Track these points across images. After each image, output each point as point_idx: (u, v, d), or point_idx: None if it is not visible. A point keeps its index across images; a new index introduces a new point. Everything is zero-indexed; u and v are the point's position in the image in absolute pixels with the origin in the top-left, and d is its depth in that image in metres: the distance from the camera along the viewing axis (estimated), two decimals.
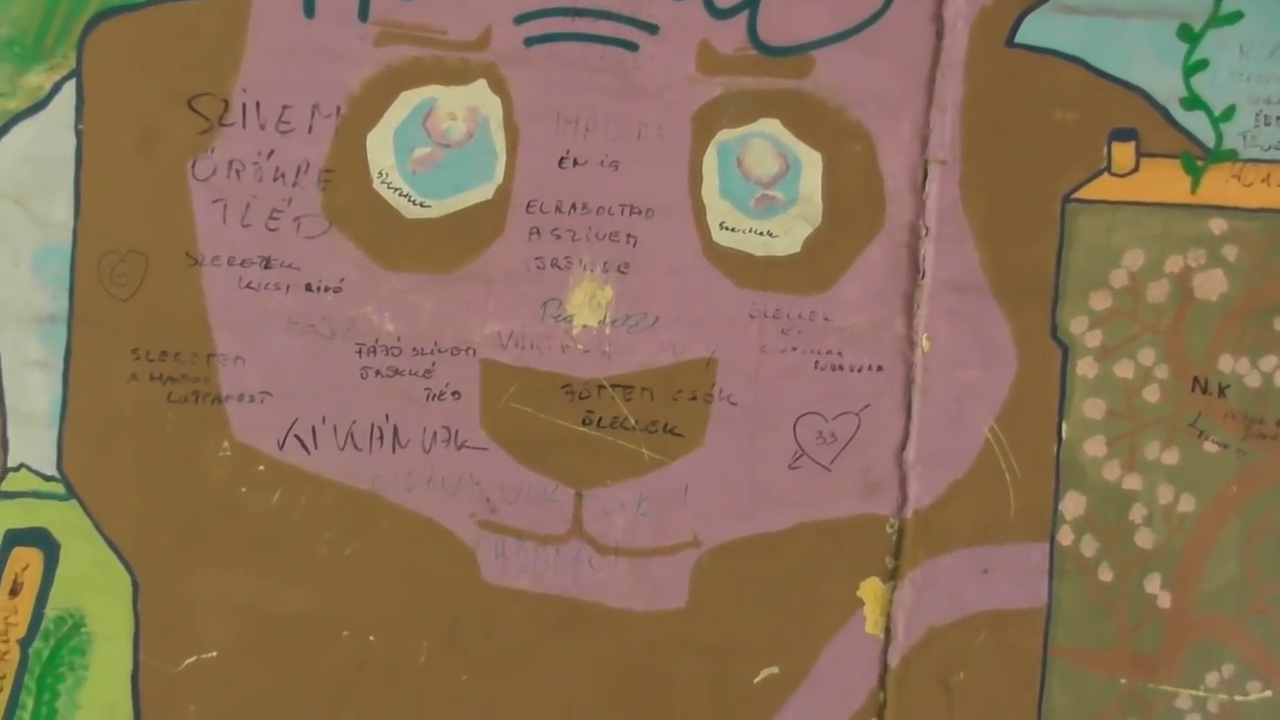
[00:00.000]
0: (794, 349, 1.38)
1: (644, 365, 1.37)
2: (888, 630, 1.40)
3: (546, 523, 1.37)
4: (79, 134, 1.33)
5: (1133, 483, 1.38)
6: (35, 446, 1.34)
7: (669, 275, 1.37)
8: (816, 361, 1.38)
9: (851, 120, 1.36)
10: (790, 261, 1.37)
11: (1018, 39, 1.37)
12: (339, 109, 1.34)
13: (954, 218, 1.37)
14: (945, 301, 1.38)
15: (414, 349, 1.36)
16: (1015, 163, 1.37)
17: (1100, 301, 1.37)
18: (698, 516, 1.38)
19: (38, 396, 1.34)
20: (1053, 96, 1.36)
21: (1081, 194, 1.37)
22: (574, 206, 1.36)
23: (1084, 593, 1.38)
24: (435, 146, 1.35)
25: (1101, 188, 1.37)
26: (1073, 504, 1.38)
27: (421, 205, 1.36)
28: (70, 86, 1.34)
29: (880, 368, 1.38)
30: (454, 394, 1.36)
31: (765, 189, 1.37)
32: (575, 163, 1.36)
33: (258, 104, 1.33)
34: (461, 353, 1.36)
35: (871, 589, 1.39)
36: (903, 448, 1.39)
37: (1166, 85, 1.37)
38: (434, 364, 1.36)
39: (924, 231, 1.38)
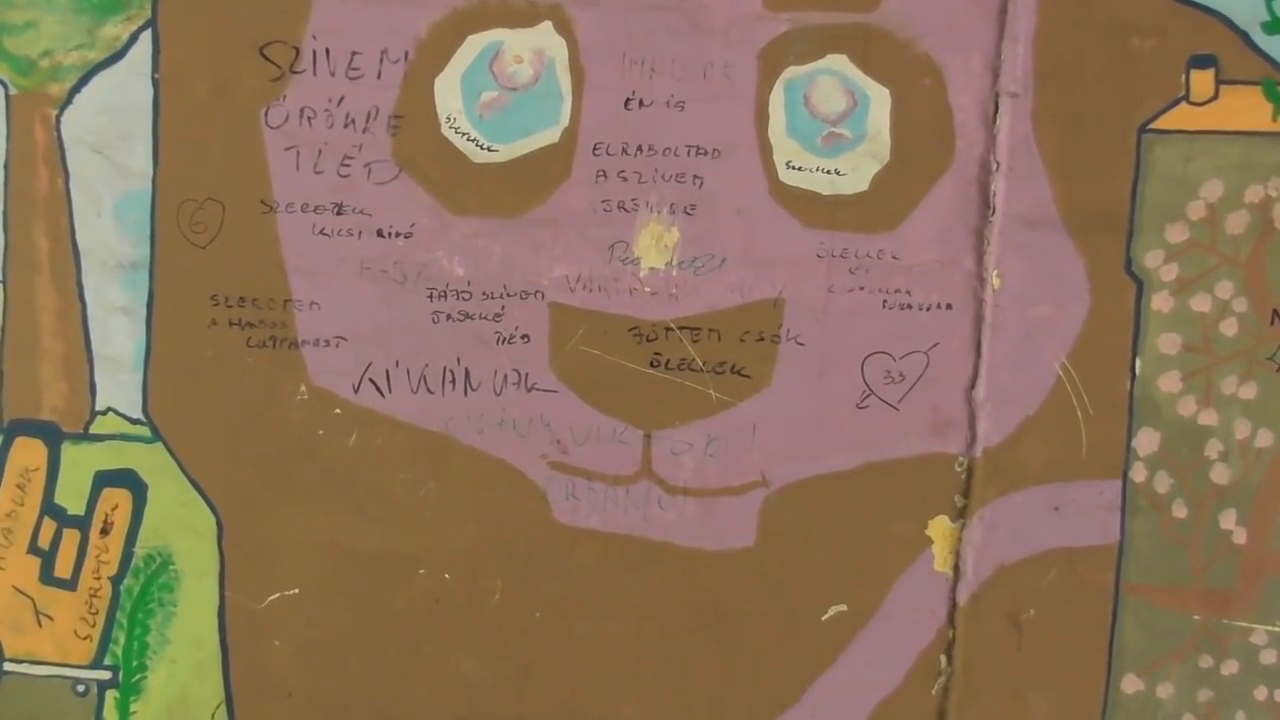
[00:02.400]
0: (862, 288, 1.37)
1: (711, 306, 1.37)
2: (956, 568, 1.40)
3: (616, 464, 1.39)
4: (155, 83, 1.36)
5: (1208, 418, 1.36)
6: (121, 390, 1.39)
7: (735, 216, 1.36)
8: (885, 300, 1.37)
9: (920, 54, 1.34)
10: (858, 200, 1.36)
11: None
12: (407, 54, 1.35)
13: (1025, 152, 1.35)
14: (1016, 237, 1.36)
15: (483, 293, 1.38)
16: (1089, 93, 1.34)
17: (1177, 234, 1.35)
18: (765, 456, 1.39)
19: (122, 341, 1.39)
20: (1129, 24, 1.33)
21: (1158, 124, 1.34)
22: (640, 148, 1.36)
23: (1157, 529, 1.36)
24: (502, 90, 1.36)
25: (1179, 117, 1.34)
26: (1146, 440, 1.37)
27: (489, 150, 1.36)
28: (146, 36, 1.36)
29: (949, 306, 1.37)
30: (523, 337, 1.38)
31: (832, 126, 1.36)
32: (641, 104, 1.36)
33: (327, 50, 1.35)
34: (530, 296, 1.38)
35: (940, 527, 1.39)
36: (972, 386, 1.38)
37: (1247, 9, 1.33)
38: (503, 308, 1.38)
39: (995, 166, 1.36)
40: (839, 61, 1.35)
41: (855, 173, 1.36)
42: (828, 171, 1.36)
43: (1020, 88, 1.35)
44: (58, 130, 1.37)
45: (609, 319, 1.37)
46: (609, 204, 1.37)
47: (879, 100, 1.35)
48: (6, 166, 1.38)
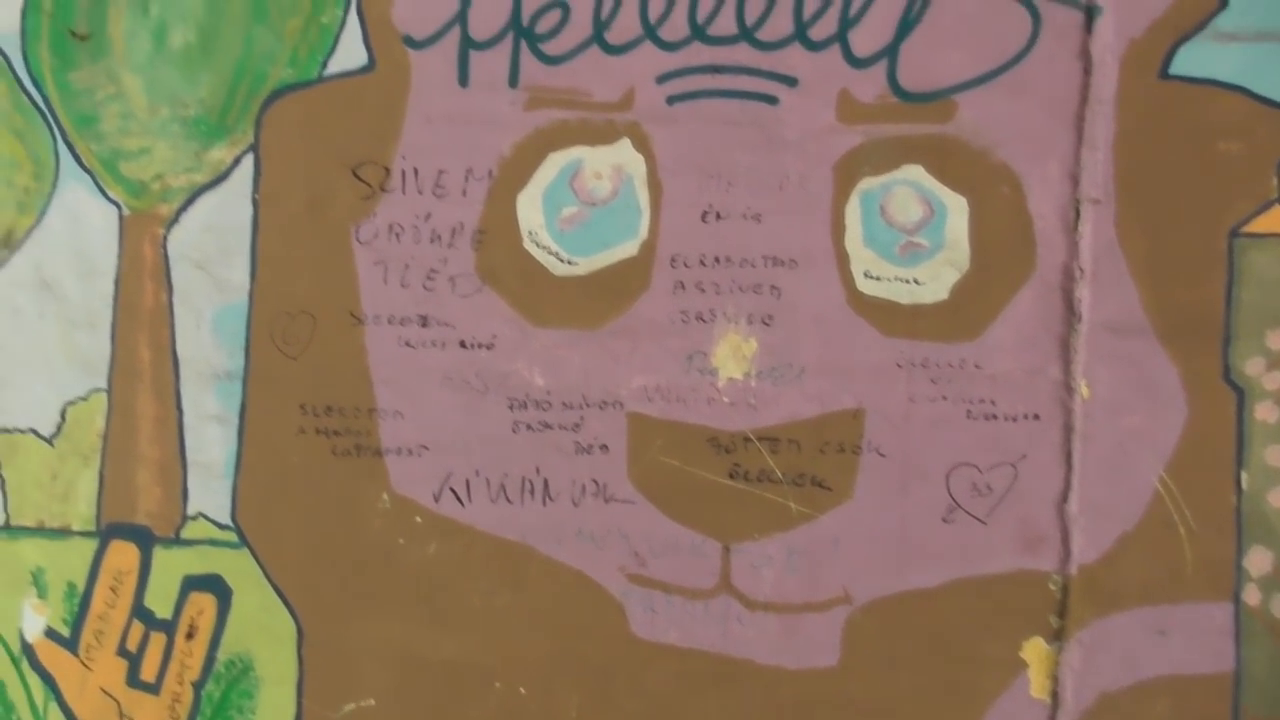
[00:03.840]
0: (944, 398, 1.34)
1: (790, 417, 1.36)
2: (1055, 695, 1.32)
3: (695, 577, 1.37)
4: (255, 203, 1.44)
5: None
6: (211, 496, 1.43)
7: (814, 326, 1.36)
8: (968, 410, 1.34)
9: (997, 162, 1.34)
10: (938, 308, 1.35)
11: (1172, 70, 1.32)
12: (491, 172, 1.40)
13: (1111, 258, 1.32)
14: (1104, 345, 1.32)
15: (563, 403, 1.39)
16: (1175, 198, 1.31)
17: (1278, 341, 1.29)
18: (848, 571, 1.35)
19: (215, 449, 1.43)
20: (1214, 127, 1.31)
21: (1251, 227, 1.30)
22: (717, 259, 1.37)
23: (1276, 657, 1.27)
24: (582, 205, 1.39)
25: (1273, 220, 1.30)
26: (1259, 560, 1.29)
27: (569, 263, 1.39)
28: (248, 160, 1.44)
29: (1037, 416, 1.33)
30: (602, 447, 1.38)
31: (910, 236, 1.35)
32: (718, 216, 1.38)
33: (416, 170, 1.41)
34: (609, 406, 1.38)
35: (1036, 649, 1.32)
36: (1064, 499, 1.33)
37: None
38: (582, 418, 1.39)
39: (1079, 273, 1.33)
40: (915, 172, 1.35)
41: (934, 281, 1.35)
42: (906, 281, 1.35)
43: (1102, 194, 1.33)
44: (164, 248, 1.45)
45: (687, 429, 1.37)
46: (687, 315, 1.37)
47: (956, 209, 1.35)
48: (117, 282, 1.46)
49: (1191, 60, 1.32)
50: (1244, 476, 1.30)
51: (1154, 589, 1.31)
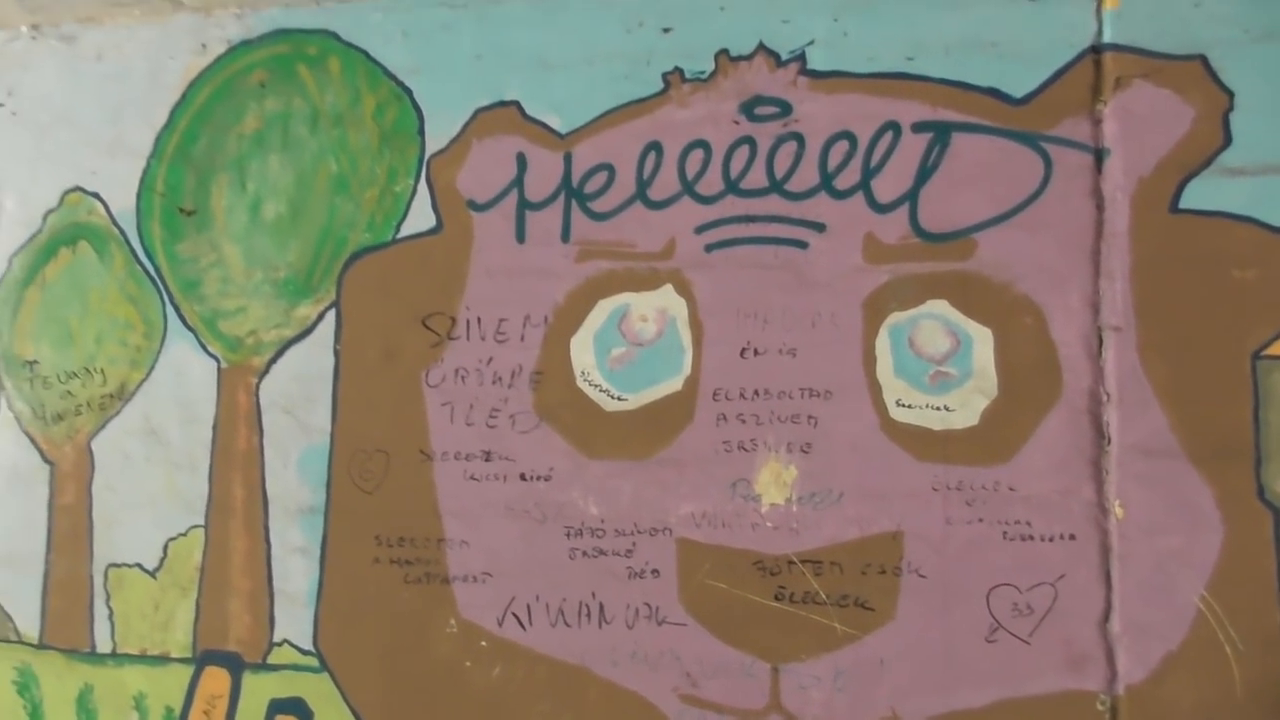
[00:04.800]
0: (980, 520, 1.39)
1: (831, 540, 1.42)
2: None
3: (745, 697, 1.42)
4: (337, 353, 1.59)
5: None
6: (295, 624, 1.54)
7: (850, 452, 1.43)
8: (1005, 532, 1.39)
9: (1019, 294, 1.42)
10: (969, 434, 1.41)
11: (1182, 204, 1.39)
12: (546, 318, 1.53)
13: (1135, 382, 1.38)
14: (1135, 467, 1.36)
15: (616, 530, 1.48)
16: (1195, 324, 1.37)
17: None
18: (895, 691, 1.39)
19: (299, 579, 1.55)
20: (1228, 256, 1.37)
21: (1272, 350, 1.35)
22: (756, 392, 1.47)
23: None
24: (630, 346, 1.51)
25: None
26: None
27: (619, 399, 1.50)
28: (331, 314, 1.60)
29: (1073, 536, 1.37)
30: (653, 572, 1.46)
31: (938, 365, 1.43)
32: (756, 352, 1.47)
33: (479, 319, 1.55)
34: (659, 533, 1.47)
35: None
36: (1106, 619, 1.35)
37: None
38: (634, 544, 1.47)
39: (1105, 398, 1.39)
40: (940, 306, 1.44)
41: (964, 408, 1.42)
42: (937, 408, 1.42)
43: (1122, 321, 1.39)
44: (256, 395, 1.61)
45: (733, 553, 1.44)
46: (729, 444, 1.46)
47: (982, 339, 1.42)
48: (215, 428, 1.62)
49: (1201, 194, 1.40)
50: None
51: (1205, 710, 1.32)
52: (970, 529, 1.40)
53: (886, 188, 1.47)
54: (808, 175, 1.49)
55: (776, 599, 1.43)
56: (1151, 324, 1.39)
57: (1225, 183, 1.39)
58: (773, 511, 1.45)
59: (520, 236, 1.56)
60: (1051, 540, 1.38)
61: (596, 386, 1.51)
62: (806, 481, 1.44)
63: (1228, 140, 1.38)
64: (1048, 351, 1.41)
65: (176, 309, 1.66)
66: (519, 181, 1.57)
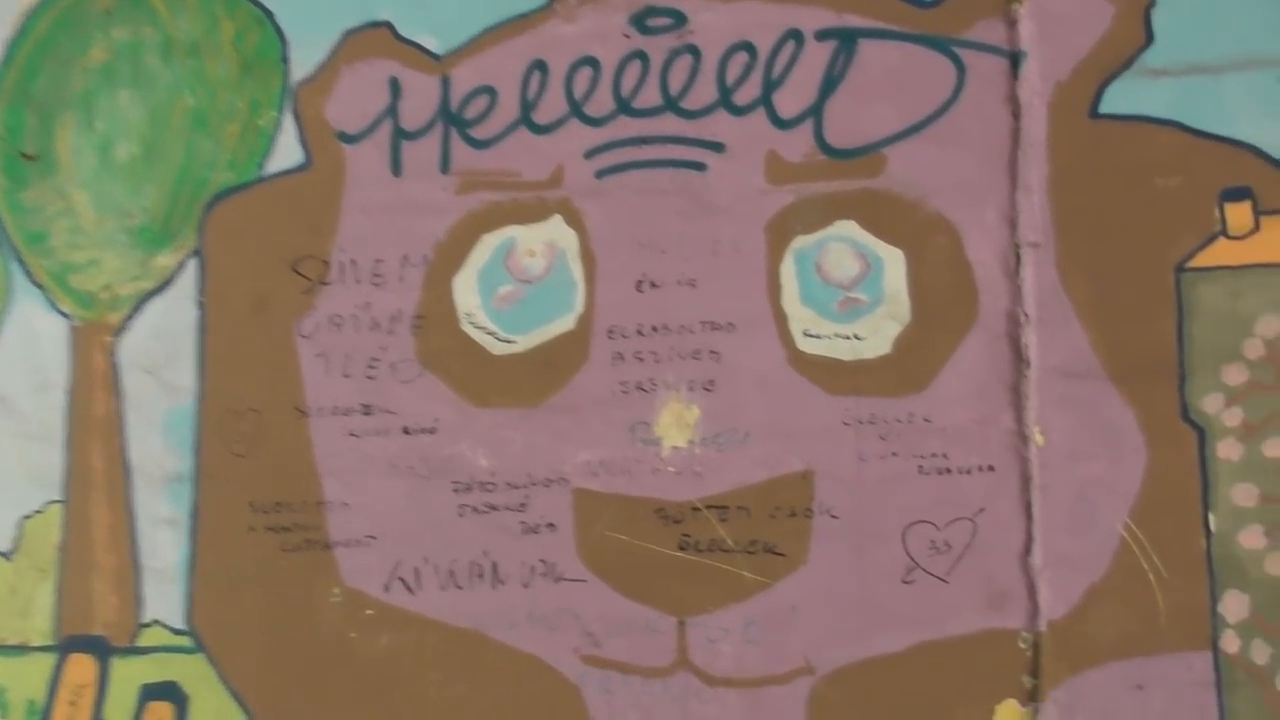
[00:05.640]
0: (895, 454, 1.30)
1: (738, 483, 1.33)
2: None
3: (651, 654, 1.32)
4: (201, 306, 1.45)
5: None
6: (166, 602, 1.42)
7: (756, 389, 1.34)
8: (920, 466, 1.30)
9: (931, 212, 1.32)
10: (882, 363, 1.32)
11: (1102, 109, 1.30)
12: (426, 257, 1.41)
13: (1055, 301, 1.29)
14: (1056, 390, 1.28)
15: (508, 483, 1.37)
16: (1116, 237, 1.28)
17: (1235, 376, 1.25)
18: (809, 640, 1.30)
19: (168, 553, 1.43)
20: (1150, 163, 1.28)
21: (1196, 261, 1.27)
22: (655, 328, 1.36)
23: (1260, 705, 1.20)
24: (517, 283, 1.39)
25: (1218, 253, 1.27)
26: (1234, 605, 1.22)
27: (507, 341, 1.39)
28: (193, 263, 1.46)
29: (992, 467, 1.29)
30: (549, 526, 1.36)
31: (847, 291, 1.33)
32: (653, 285, 1.37)
33: (354, 261, 1.42)
34: (554, 484, 1.36)
35: (1009, 712, 1.26)
36: (1027, 552, 1.28)
37: (1275, 136, 1.26)
38: (528, 497, 1.37)
39: (1024, 318, 1.30)
40: (848, 227, 1.34)
41: (876, 336, 1.32)
42: (847, 337, 1.33)
43: (1041, 237, 1.30)
44: (114, 356, 1.46)
45: (634, 502, 1.34)
46: (627, 385, 1.36)
47: (893, 262, 1.32)
48: (70, 393, 1.48)
49: (1121, 98, 1.30)
50: (1212, 518, 1.24)
51: (1128, 642, 1.25)
52: (884, 465, 1.31)
53: (789, 102, 1.36)
54: (704, 91, 1.38)
55: (681, 549, 1.33)
56: (1071, 238, 1.30)
57: (1147, 85, 1.30)
58: (675, 455, 1.35)
59: (396, 169, 1.43)
60: (969, 473, 1.29)
61: (483, 329, 1.40)
62: (710, 422, 1.34)
63: (1149, 39, 1.29)
64: (963, 272, 1.32)
65: (22, 264, 1.51)
66: (393, 109, 1.44)
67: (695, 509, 1.33)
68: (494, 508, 1.37)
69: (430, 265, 1.41)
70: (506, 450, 1.37)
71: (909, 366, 1.31)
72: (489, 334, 1.39)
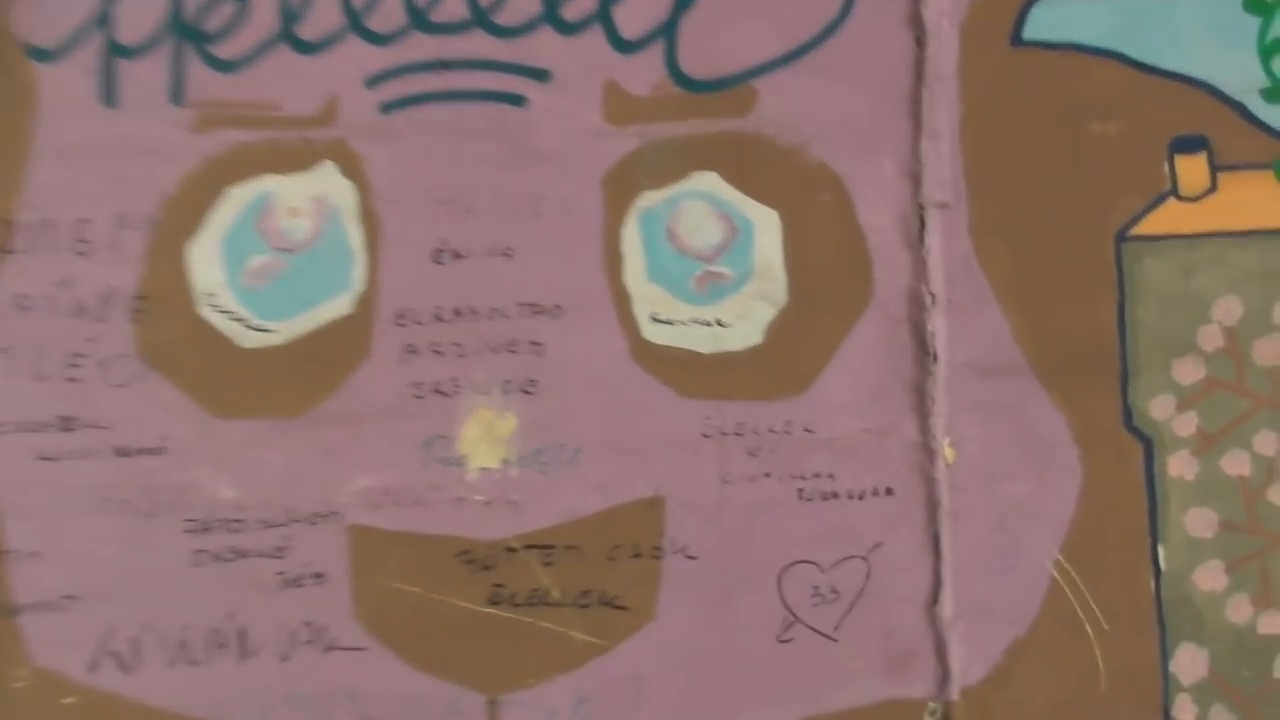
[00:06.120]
0: (767, 475, 1.01)
1: (566, 515, 1.01)
2: None
3: None
4: None
5: (1273, 624, 0.96)
6: None
7: (589, 391, 1.02)
8: (800, 489, 1.01)
9: (813, 163, 1.03)
10: (751, 357, 1.02)
11: (1026, 35, 1.02)
12: (151, 218, 1.05)
13: (968, 277, 1.02)
14: (970, 392, 1.01)
15: (261, 520, 1.02)
16: (1043, 196, 1.02)
17: (1188, 372, 0.99)
18: (658, 718, 0.99)
19: None
20: (1084, 104, 1.02)
21: (1141, 228, 1.01)
22: (458, 312, 1.03)
23: None
24: (274, 253, 1.05)
25: (1168, 217, 1.01)
26: (1188, 661, 0.97)
27: (261, 330, 1.04)
28: None
29: (890, 490, 1.01)
30: (316, 577, 1.02)
31: (708, 264, 1.03)
32: (456, 255, 1.04)
33: (49, 222, 1.04)
34: (323, 520, 1.02)
35: None
36: (934, 600, 1.00)
37: (1239, 73, 1.01)
38: (288, 538, 1.02)
39: (929, 300, 1.01)
40: (708, 181, 1.03)
41: (743, 321, 1.02)
42: (707, 323, 1.02)
43: (950, 195, 1.02)
44: None
45: (430, 542, 1.02)
46: (421, 388, 1.03)
47: (765, 225, 1.03)
48: None
49: (1049, 22, 1.05)
50: (1161, 553, 0.98)
51: (1061, 709, 0.98)
52: (755, 488, 1.01)
53: (634, 18, 1.06)
54: (526, 2, 1.05)
55: (492, 603, 1.01)
56: (988, 198, 1.03)
57: (1081, 6, 1.03)
58: (484, 479, 1.02)
59: (109, 98, 1.06)
60: (862, 497, 1.01)
61: (228, 314, 1.04)
62: (530, 434, 1.02)
63: None
64: (853, 239, 1.03)
65: None
66: (104, 17, 1.06)
67: (511, 550, 1.02)
68: (242, 553, 1.03)
69: (157, 228, 1.05)
70: (259, 476, 1.03)
71: (785, 362, 1.02)
72: (236, 320, 1.04)
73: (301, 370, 1.04)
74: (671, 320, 1.03)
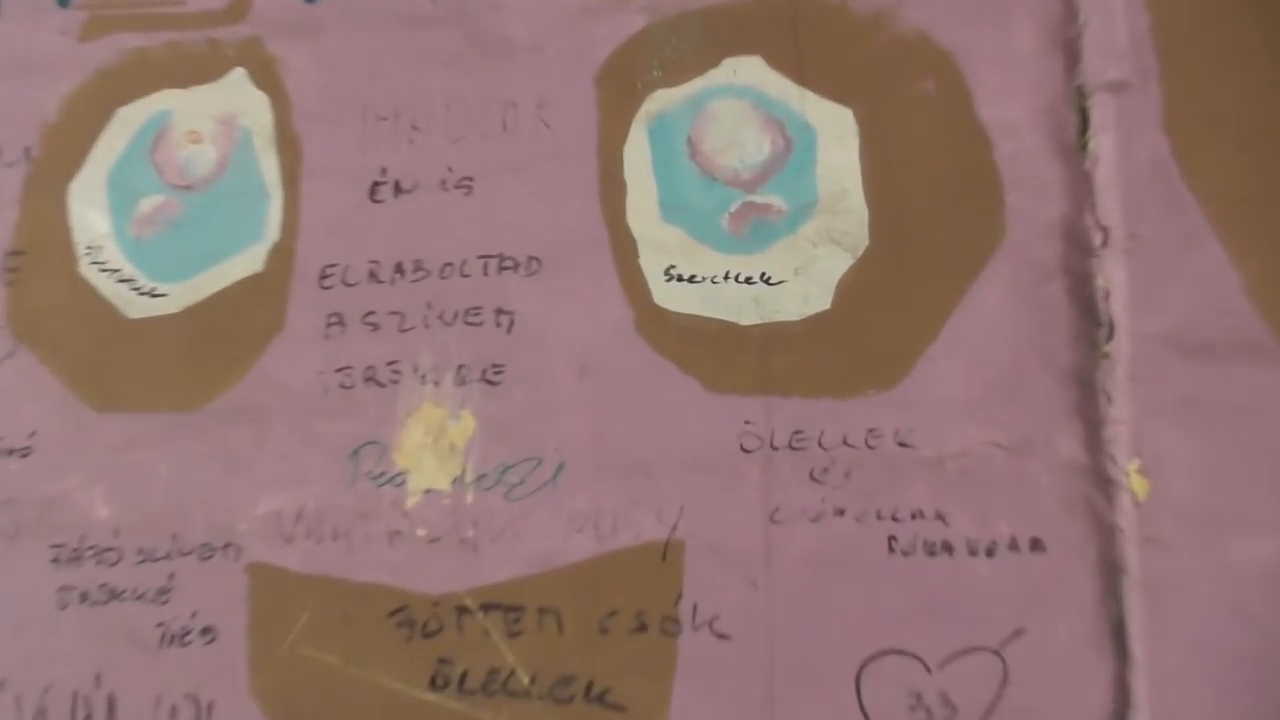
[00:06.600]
0: (839, 512, 0.66)
1: (541, 563, 0.70)
2: None
3: None
4: None
5: None
6: None
7: (578, 381, 0.70)
8: (892, 537, 0.65)
9: (908, 35, 0.67)
10: (814, 330, 0.67)
11: None
12: (29, 152, 0.80)
13: (1164, 200, 0.63)
14: (1172, 383, 0.63)
15: (141, 550, 0.75)
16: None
17: None
18: None
19: None
20: None
21: None
22: (400, 268, 0.73)
23: None
24: (171, 192, 0.78)
25: None
26: None
27: (151, 295, 0.77)
28: None
29: (1037, 543, 0.63)
30: (204, 632, 0.73)
31: (749, 193, 0.68)
32: (399, 189, 0.74)
33: None
34: (217, 553, 0.74)
35: None
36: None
37: None
38: (173, 576, 0.74)
39: (1098, 238, 0.64)
40: (749, 69, 0.70)
41: (803, 277, 0.68)
42: (748, 279, 0.68)
43: (1130, 70, 0.64)
44: None
45: (354, 594, 0.72)
46: (350, 374, 0.73)
47: (834, 133, 0.68)
48: None
49: None
50: None
51: None
52: (820, 533, 0.66)
53: None
54: None
55: (435, 686, 0.70)
56: (1193, 72, 0.64)
57: None
58: (429, 506, 0.72)
59: None
60: (991, 553, 0.64)
61: (113, 273, 0.78)
62: (494, 443, 0.71)
63: None
64: (972, 148, 0.67)
65: None
66: None
67: (463, 609, 0.70)
68: (116, 594, 0.76)
69: (33, 163, 0.80)
70: (142, 490, 0.76)
71: (866, 338, 0.66)
72: (123, 281, 0.78)
73: (198, 348, 0.77)
74: (695, 276, 0.70)
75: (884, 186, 0.67)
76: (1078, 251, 0.65)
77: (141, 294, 0.78)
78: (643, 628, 0.68)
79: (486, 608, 0.70)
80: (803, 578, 0.66)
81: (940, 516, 0.65)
